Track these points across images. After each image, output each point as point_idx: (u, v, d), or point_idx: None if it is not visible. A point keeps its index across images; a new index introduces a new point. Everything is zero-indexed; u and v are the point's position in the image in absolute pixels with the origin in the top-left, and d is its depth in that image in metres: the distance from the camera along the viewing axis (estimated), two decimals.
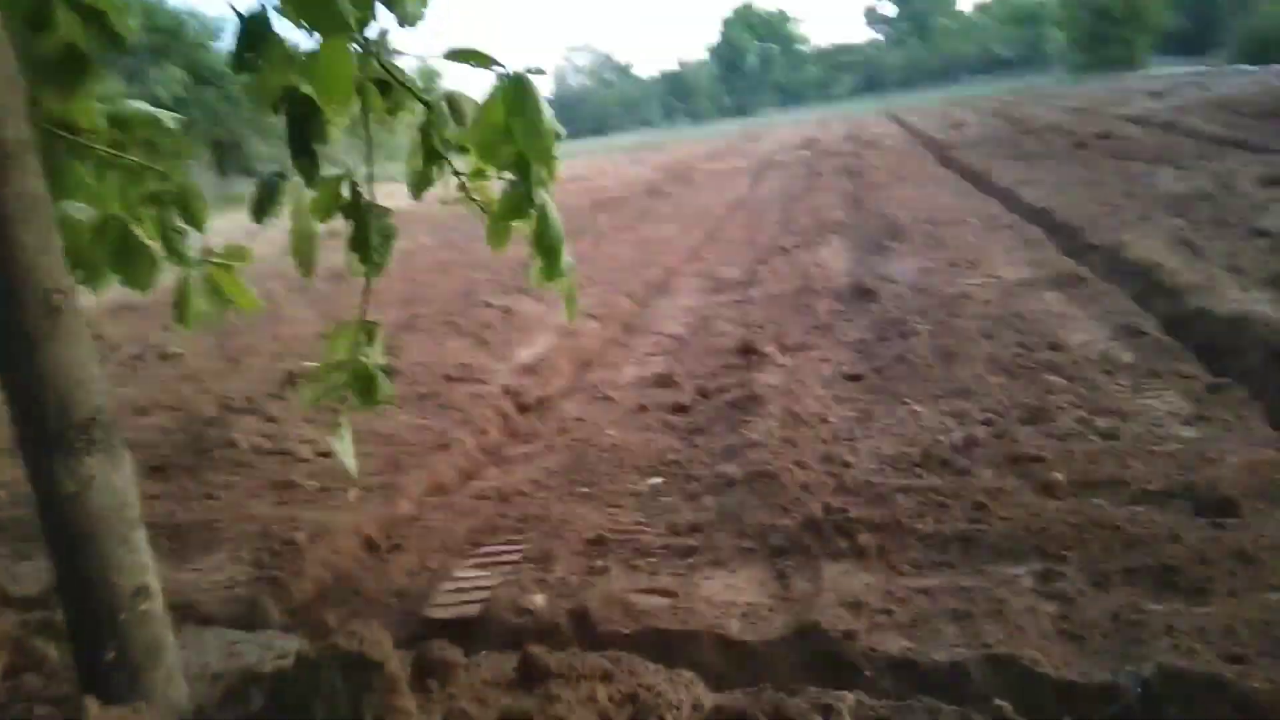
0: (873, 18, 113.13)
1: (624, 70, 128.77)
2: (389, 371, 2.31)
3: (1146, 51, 39.78)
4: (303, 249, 2.06)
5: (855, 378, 4.68)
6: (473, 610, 3.06)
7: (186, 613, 3.51)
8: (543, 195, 2.16)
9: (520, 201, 2.16)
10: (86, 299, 2.19)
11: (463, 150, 2.09)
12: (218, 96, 37.70)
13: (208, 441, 5.00)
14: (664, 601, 2.84)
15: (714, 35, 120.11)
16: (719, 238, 10.48)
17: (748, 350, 5.40)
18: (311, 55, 1.67)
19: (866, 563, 2.87)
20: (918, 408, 4.03)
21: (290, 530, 3.88)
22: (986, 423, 3.77)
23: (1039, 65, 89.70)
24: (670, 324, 6.76)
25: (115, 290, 2.55)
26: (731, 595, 2.85)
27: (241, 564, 3.71)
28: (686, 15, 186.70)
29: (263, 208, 1.99)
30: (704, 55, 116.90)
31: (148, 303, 12.48)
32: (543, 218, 2.16)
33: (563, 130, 1.92)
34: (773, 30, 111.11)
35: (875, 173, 14.57)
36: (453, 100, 1.88)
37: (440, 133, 1.92)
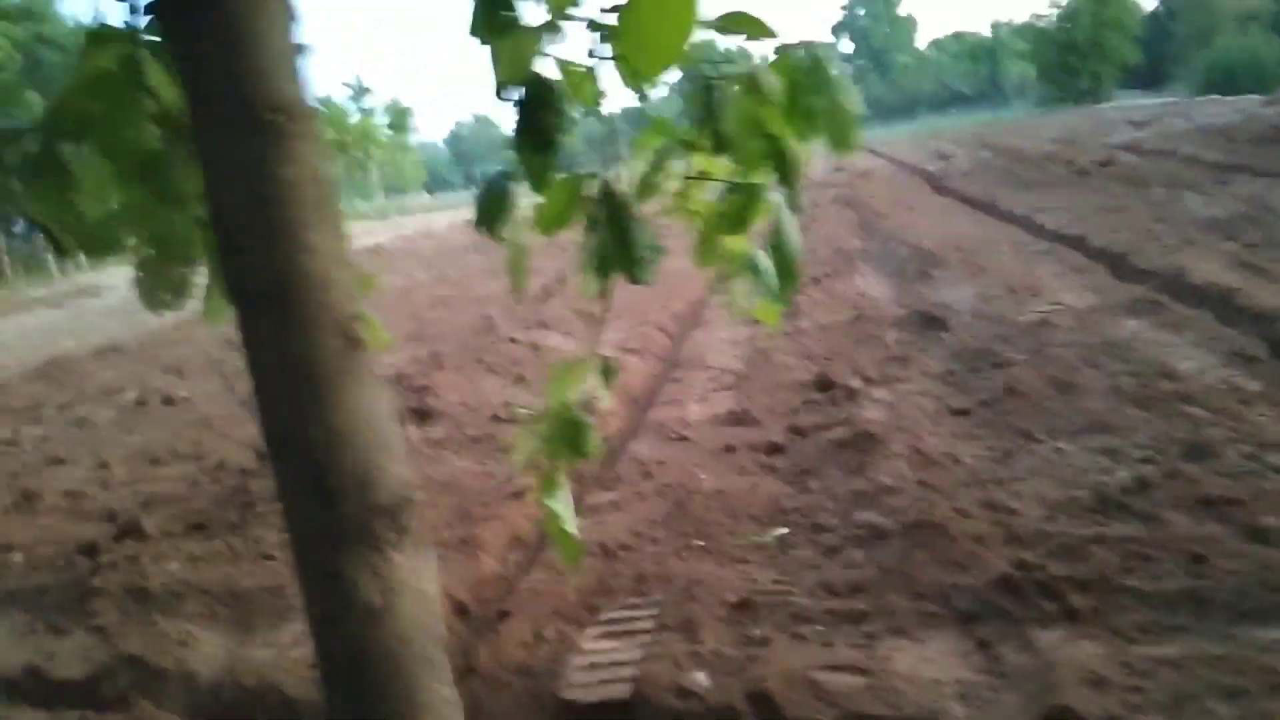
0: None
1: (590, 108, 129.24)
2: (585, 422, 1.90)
3: (1111, 85, 40.55)
4: (517, 263, 1.67)
5: (963, 412, 4.34)
6: (620, 691, 2.65)
7: (268, 696, 3.07)
8: (777, 198, 1.78)
9: (749, 206, 1.79)
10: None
11: (692, 147, 1.71)
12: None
13: (250, 495, 4.53)
14: (857, 681, 2.45)
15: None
16: None
17: (826, 384, 5.05)
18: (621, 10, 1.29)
19: (1084, 628, 2.51)
20: (1060, 445, 3.69)
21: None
22: (1147, 460, 3.44)
23: (997, 100, 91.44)
24: (720, 357, 6.41)
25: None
26: (934, 671, 2.47)
27: None
28: None
29: (492, 216, 1.60)
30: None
31: (135, 344, 11.96)
32: (779, 227, 1.79)
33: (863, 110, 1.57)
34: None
35: (875, 201, 14.41)
36: (754, 79, 1.50)
37: (718, 120, 1.53)
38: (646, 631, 2.94)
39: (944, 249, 8.90)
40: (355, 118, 50.44)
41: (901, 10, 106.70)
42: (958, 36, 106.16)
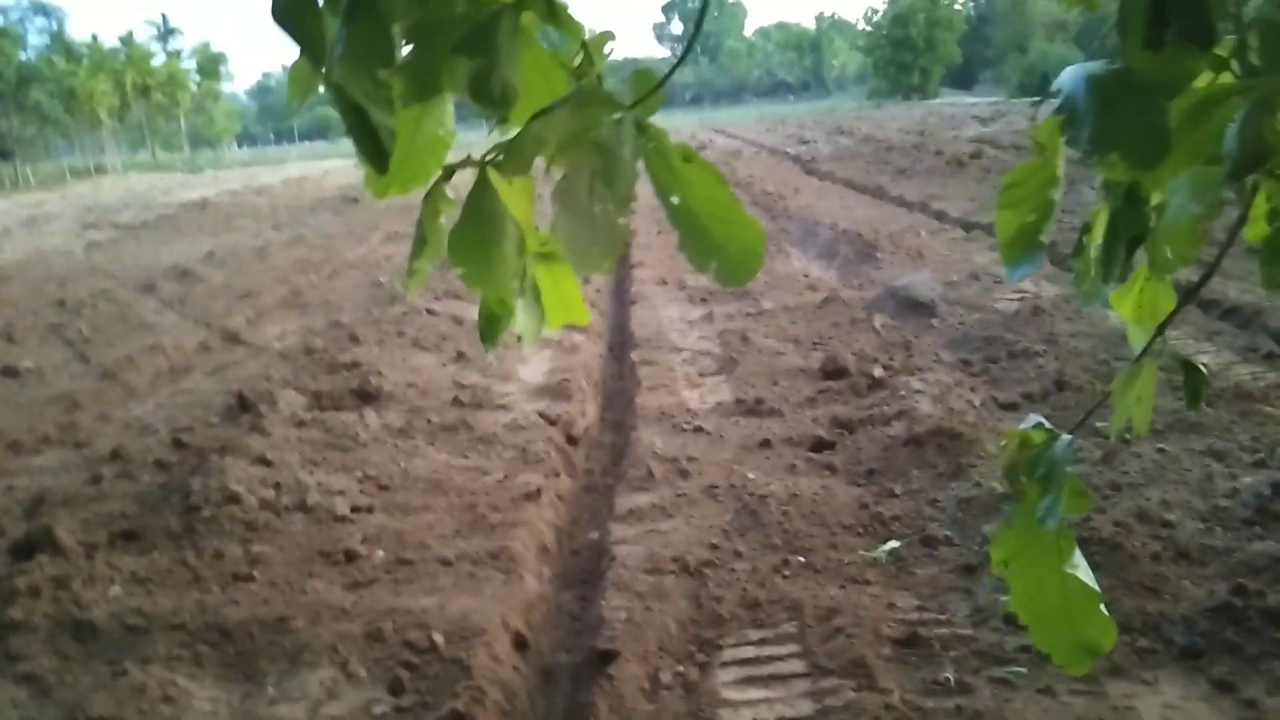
0: (661, 34, 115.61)
1: None
2: None
3: (937, 83, 42.65)
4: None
5: (1013, 406, 4.07)
6: None
7: None
8: None
9: None
10: None
11: None
12: None
13: (190, 495, 3.65)
14: None
15: None
16: (647, 244, 9.67)
17: (838, 371, 4.68)
18: None
19: None
20: (1161, 445, 3.46)
21: (410, 628, 2.77)
22: (1260, 464, 3.25)
23: (819, 90, 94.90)
24: (685, 339, 5.92)
25: None
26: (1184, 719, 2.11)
27: (363, 684, 2.57)
28: None
29: None
30: None
31: None
32: None
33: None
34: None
35: (759, 182, 14.27)
36: None
37: None
38: (802, 675, 2.45)
39: (865, 232, 8.74)
40: (160, 59, 45.89)
41: None
42: (781, 26, 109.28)
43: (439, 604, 2.93)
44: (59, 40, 41.65)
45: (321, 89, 1.22)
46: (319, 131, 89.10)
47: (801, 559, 3.02)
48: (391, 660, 2.65)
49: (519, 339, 1.39)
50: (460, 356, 5.89)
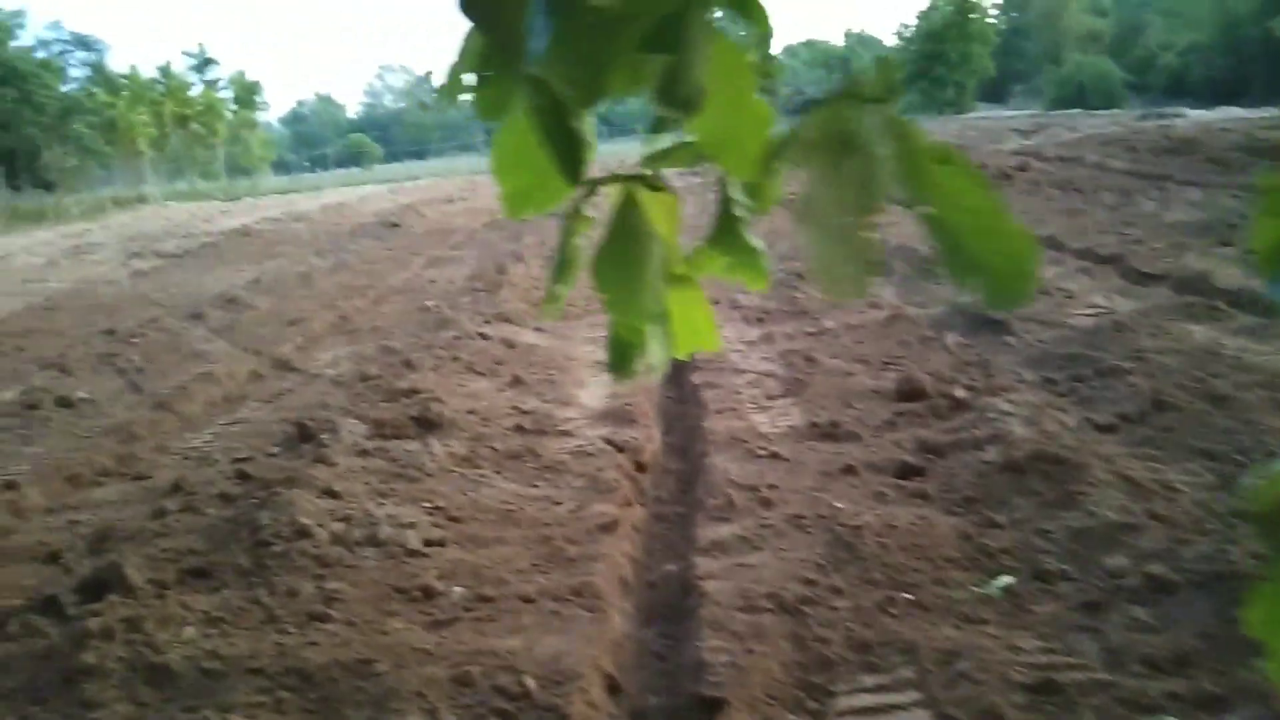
0: None
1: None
2: None
3: (971, 97, 42.29)
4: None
5: (1111, 428, 3.87)
6: None
7: None
8: None
9: None
10: None
11: None
12: (15, 98, 32.96)
13: (258, 530, 3.54)
14: None
15: None
16: None
17: (915, 393, 4.50)
18: None
19: None
20: None
21: (498, 671, 2.62)
22: None
23: None
24: (747, 359, 5.77)
25: None
26: None
27: None
28: None
29: None
30: None
31: None
32: None
33: None
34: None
35: None
36: None
37: None
38: None
39: (920, 247, 8.54)
40: (197, 89, 46.70)
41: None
42: (810, 44, 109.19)
43: (525, 645, 2.78)
44: (99, 72, 42.43)
45: (468, 94, 1.09)
46: (351, 159, 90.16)
47: (908, 595, 2.84)
48: (483, 708, 2.50)
49: (647, 367, 1.27)
50: (517, 381, 5.77)
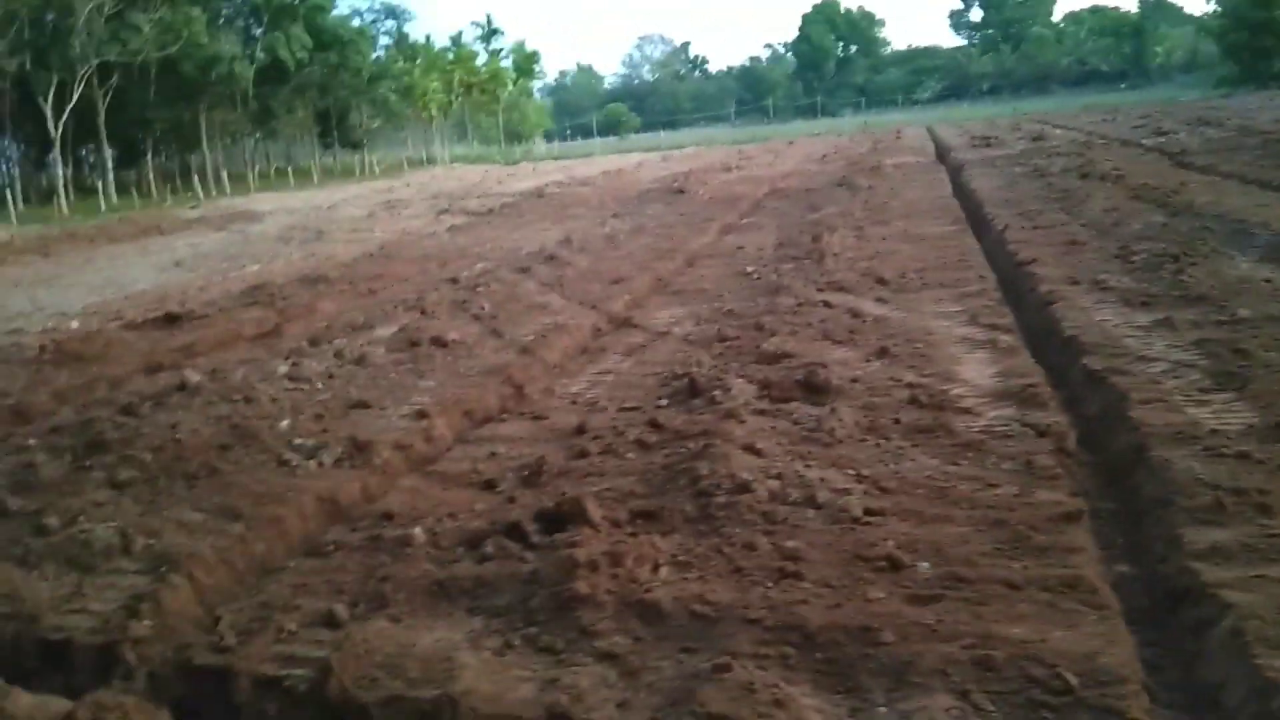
0: (958, 22, 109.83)
1: (697, 63, 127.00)
2: None
3: None
4: None
5: None
6: None
7: None
8: None
9: None
10: None
11: None
12: (334, 63, 36.38)
13: (701, 479, 3.56)
14: None
15: (792, 31, 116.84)
16: (1026, 239, 8.91)
17: None
18: None
19: None
20: None
21: (1022, 660, 2.44)
22: None
23: (1139, 80, 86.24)
24: (1151, 346, 5.23)
25: None
26: None
27: None
28: (764, 9, 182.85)
29: None
30: (779, 50, 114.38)
31: (335, 274, 11.09)
32: None
33: None
34: (855, 29, 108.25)
35: (1131, 177, 12.90)
36: None
37: None
38: None
39: None
40: (483, 59, 49.70)
41: None
42: (1097, 10, 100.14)
43: (1037, 635, 2.58)
44: (401, 40, 46.10)
45: None
46: (609, 127, 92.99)
47: None
48: (1019, 697, 2.33)
49: None
50: (885, 352, 5.54)
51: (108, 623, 3.06)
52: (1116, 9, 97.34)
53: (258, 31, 35.47)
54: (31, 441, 4.99)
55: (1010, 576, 2.92)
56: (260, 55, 33.82)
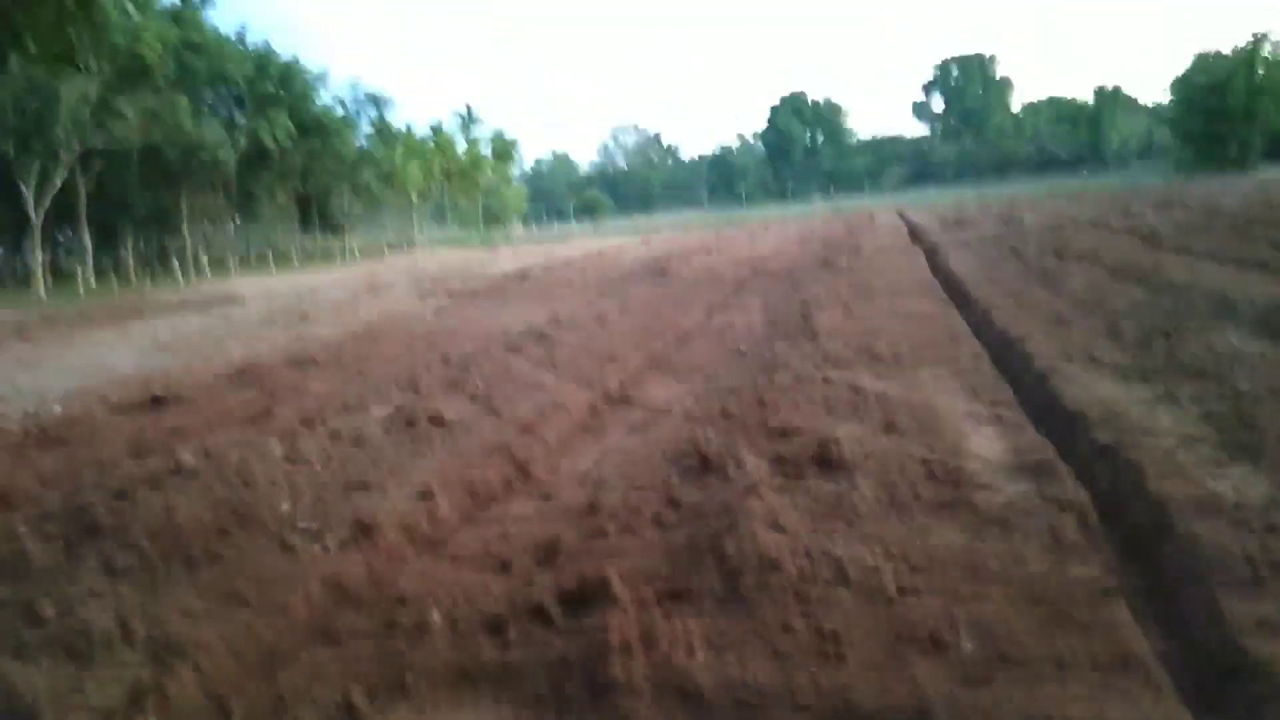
0: (921, 112, 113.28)
1: (670, 151, 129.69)
2: None
3: (1257, 154, 38.48)
4: None
5: None
6: None
7: None
8: None
9: None
10: None
11: None
12: (317, 149, 36.91)
13: (728, 557, 3.47)
14: None
15: (761, 121, 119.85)
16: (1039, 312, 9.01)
17: None
18: None
19: None
20: None
21: None
22: None
23: (1096, 166, 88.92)
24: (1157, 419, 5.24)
25: None
26: None
27: None
28: (734, 100, 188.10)
29: None
30: (749, 139, 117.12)
31: (323, 355, 10.98)
32: None
33: None
34: (821, 119, 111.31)
35: (1107, 255, 13.16)
36: None
37: None
38: None
39: None
40: (462, 146, 50.55)
41: (998, 72, 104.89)
42: (1053, 101, 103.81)
43: (1096, 716, 2.50)
44: (384, 128, 46.86)
45: None
46: (585, 211, 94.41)
47: None
48: None
49: None
50: (891, 427, 5.52)
51: (110, 717, 2.90)
52: (1073, 100, 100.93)
53: (241, 120, 36.04)
54: (21, 528, 4.80)
55: (1058, 655, 2.85)
56: (243, 141, 34.32)
